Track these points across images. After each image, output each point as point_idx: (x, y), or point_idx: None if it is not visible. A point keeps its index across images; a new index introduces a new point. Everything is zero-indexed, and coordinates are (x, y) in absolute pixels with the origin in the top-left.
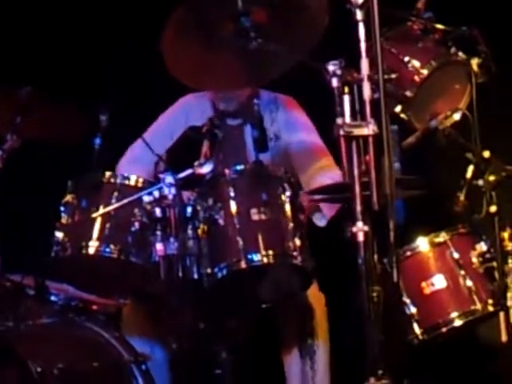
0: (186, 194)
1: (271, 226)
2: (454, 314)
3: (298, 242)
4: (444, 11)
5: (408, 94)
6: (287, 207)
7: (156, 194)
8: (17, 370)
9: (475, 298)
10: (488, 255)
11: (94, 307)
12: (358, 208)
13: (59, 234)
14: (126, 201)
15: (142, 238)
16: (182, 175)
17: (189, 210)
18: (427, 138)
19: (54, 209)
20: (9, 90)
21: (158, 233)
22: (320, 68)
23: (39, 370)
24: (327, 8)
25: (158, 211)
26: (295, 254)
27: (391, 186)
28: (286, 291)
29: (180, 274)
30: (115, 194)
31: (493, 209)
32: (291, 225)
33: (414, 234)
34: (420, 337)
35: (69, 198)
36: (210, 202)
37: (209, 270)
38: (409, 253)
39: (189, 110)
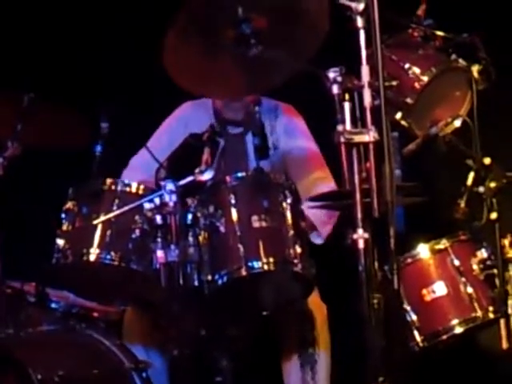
0: (186, 201)
1: (272, 234)
2: (455, 321)
3: (298, 249)
4: (444, 18)
5: (408, 100)
6: (288, 214)
7: (157, 201)
8: (17, 378)
9: (476, 305)
10: (489, 262)
11: (95, 314)
12: (359, 215)
13: (60, 241)
14: (126, 208)
15: (142, 245)
16: (182, 182)
17: (189, 217)
18: (428, 145)
19: (54, 216)
20: (10, 96)
21: (159, 240)
22: (320, 75)
23: (40, 377)
24: (328, 15)
25: (158, 218)
26: (296, 261)
27: (392, 193)
28: (286, 299)
29: (181, 281)
30: (116, 201)
31: (493, 216)
32: (292, 232)
33: (414, 241)
34: (421, 344)
35: (70, 205)
36: (211, 209)
37: (209, 277)
38: (409, 260)
39: (187, 118)
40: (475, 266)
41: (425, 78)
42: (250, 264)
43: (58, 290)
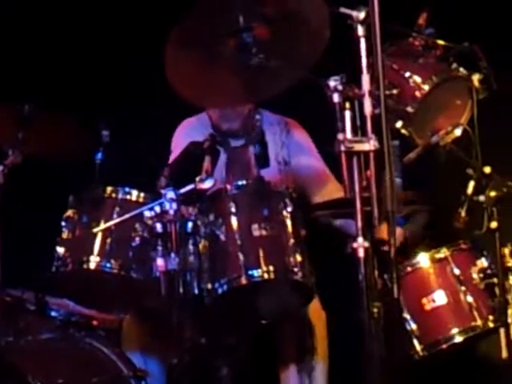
0: (186, 209)
1: (272, 242)
2: (455, 331)
3: (298, 257)
4: (445, 27)
5: (409, 109)
6: (288, 223)
7: (157, 209)
8: None
9: (476, 314)
10: (489, 271)
11: (95, 322)
12: (359, 224)
13: (60, 249)
14: (127, 216)
15: (142, 253)
16: (183, 191)
17: (190, 225)
18: (428, 154)
19: (55, 224)
20: (11, 105)
21: (159, 248)
22: (321, 83)
23: None
24: (328, 23)
25: (158, 226)
26: (296, 269)
27: (392, 201)
28: (286, 307)
29: (181, 290)
30: (116, 208)
31: (494, 225)
32: (292, 241)
33: (414, 249)
34: (420, 353)
35: (70, 212)
36: (211, 217)
37: (209, 286)
38: (409, 268)
39: (190, 132)
40: (475, 275)
41: (425, 87)
42: (250, 272)
43: (57, 297)
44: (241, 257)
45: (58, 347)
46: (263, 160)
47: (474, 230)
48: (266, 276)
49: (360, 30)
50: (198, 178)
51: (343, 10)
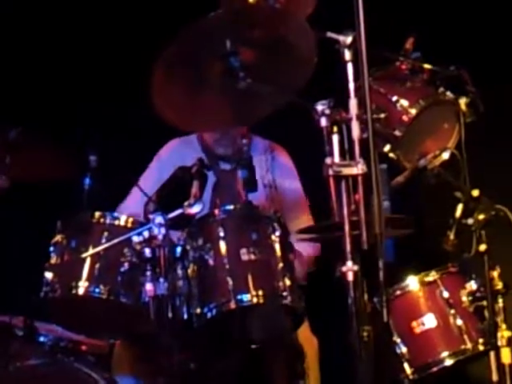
0: (175, 235)
1: (261, 266)
2: (445, 354)
3: (287, 281)
4: (432, 51)
5: (397, 133)
6: (277, 247)
7: (146, 234)
8: None
9: (465, 337)
10: (478, 294)
11: (83, 348)
12: (348, 247)
13: (48, 275)
14: (115, 241)
15: (131, 278)
16: (171, 215)
17: (178, 250)
18: (416, 177)
19: (43, 249)
20: None
21: (148, 273)
22: (309, 108)
23: None
24: (315, 48)
25: (147, 251)
26: (285, 293)
27: (381, 225)
28: (276, 331)
29: (170, 314)
30: (105, 233)
31: (482, 248)
32: (281, 265)
33: (403, 272)
34: (411, 376)
35: (58, 238)
36: (200, 242)
37: (198, 310)
38: (399, 292)
39: (175, 156)
40: (464, 298)
41: (413, 111)
42: (238, 297)
43: (46, 323)
44: (230, 281)
45: (46, 373)
46: (251, 184)
47: (463, 253)
48: (255, 300)
49: (347, 55)
50: (186, 203)
51: (330, 34)
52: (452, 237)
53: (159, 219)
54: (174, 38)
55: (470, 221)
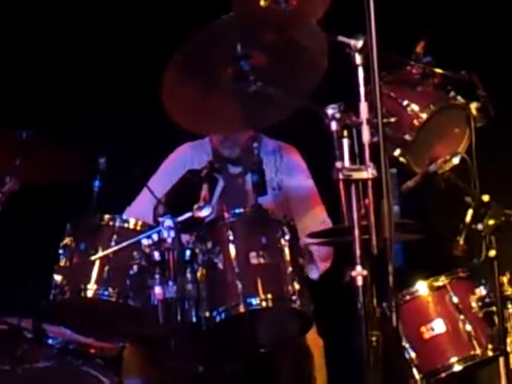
0: (184, 238)
1: (270, 270)
2: (454, 359)
3: (296, 285)
4: (443, 56)
5: (407, 137)
6: (286, 251)
7: (155, 237)
8: None
9: (475, 342)
10: (487, 300)
11: (92, 351)
12: (357, 252)
13: (58, 277)
14: (124, 244)
15: (140, 282)
16: (181, 218)
17: (188, 253)
18: (426, 182)
19: (52, 251)
20: (8, 132)
21: (157, 276)
22: (319, 111)
23: None
24: (326, 52)
25: (156, 254)
26: (294, 297)
27: (390, 229)
28: (284, 335)
29: (178, 318)
30: (114, 236)
31: (492, 253)
32: (290, 269)
33: (413, 277)
34: (419, 382)
35: (67, 240)
36: (209, 245)
37: (207, 314)
38: (408, 297)
39: (186, 159)
40: (474, 304)
41: (423, 115)
42: (248, 301)
43: (55, 326)
44: (239, 285)
45: (55, 375)
46: (261, 188)
47: (473, 259)
48: (264, 304)
49: (358, 59)
50: (195, 206)
51: (341, 38)
52: (462, 242)
53: (168, 222)
54: (185, 40)
55: (480, 226)
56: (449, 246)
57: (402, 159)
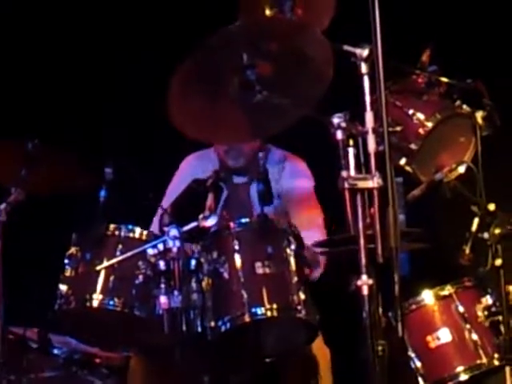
0: (190, 247)
1: (275, 280)
2: (460, 369)
3: (302, 295)
4: (448, 64)
5: (413, 146)
6: (292, 261)
7: (160, 246)
8: None
9: (481, 352)
10: (493, 309)
11: (98, 360)
12: (363, 261)
13: (63, 287)
14: (130, 253)
15: (145, 291)
16: (186, 228)
17: (193, 262)
18: (432, 191)
19: (58, 261)
20: (14, 142)
21: (162, 286)
22: (325, 121)
23: None
24: (332, 61)
25: (162, 264)
26: (299, 307)
27: (396, 238)
28: (290, 345)
29: (184, 328)
30: (119, 246)
31: (498, 262)
32: (295, 278)
33: (419, 286)
34: None
35: (73, 250)
36: (215, 254)
37: (213, 324)
38: (414, 306)
39: (192, 171)
40: (480, 313)
41: (429, 124)
42: (253, 310)
43: (60, 335)
44: (244, 294)
45: None
46: (266, 198)
47: (479, 268)
48: (269, 314)
49: (363, 68)
50: (201, 216)
51: (347, 47)
52: (468, 251)
53: (174, 232)
54: (191, 50)
55: (486, 235)
56: (455, 254)
57: (407, 168)
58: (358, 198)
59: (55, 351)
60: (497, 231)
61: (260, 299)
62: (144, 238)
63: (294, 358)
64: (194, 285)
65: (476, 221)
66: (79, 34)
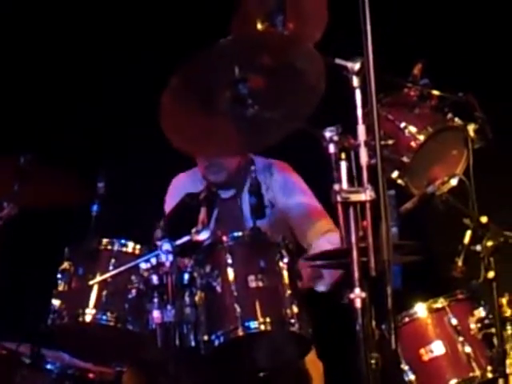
0: (183, 261)
1: (268, 294)
2: (453, 381)
3: (295, 309)
4: (440, 77)
5: (405, 159)
6: (285, 274)
7: (153, 261)
8: None
9: (474, 364)
10: (486, 321)
11: (91, 375)
12: (356, 274)
13: (56, 302)
14: (122, 268)
15: (138, 306)
16: (179, 242)
17: (186, 276)
18: (424, 204)
19: (50, 276)
20: (7, 157)
21: (155, 300)
22: (317, 134)
23: None
24: (324, 75)
25: (155, 278)
26: (293, 321)
27: (389, 251)
28: (283, 359)
29: (177, 342)
30: (112, 260)
31: (491, 274)
32: (289, 292)
33: (412, 299)
34: None
35: (66, 265)
36: (208, 268)
37: (206, 338)
38: (407, 319)
39: (183, 189)
40: (473, 325)
41: (421, 137)
42: (246, 324)
43: (53, 350)
44: (237, 308)
45: None
46: (259, 211)
47: (472, 280)
48: (262, 328)
49: (355, 81)
50: (193, 230)
51: (339, 61)
52: (460, 263)
53: (167, 246)
54: (183, 64)
55: (479, 247)
56: (447, 267)
57: (399, 181)
58: (351, 211)
59: (48, 366)
60: (489, 244)
61: (253, 313)
62: (137, 252)
63: (287, 371)
64: (187, 299)
65: (468, 233)
66: (74, 43)
